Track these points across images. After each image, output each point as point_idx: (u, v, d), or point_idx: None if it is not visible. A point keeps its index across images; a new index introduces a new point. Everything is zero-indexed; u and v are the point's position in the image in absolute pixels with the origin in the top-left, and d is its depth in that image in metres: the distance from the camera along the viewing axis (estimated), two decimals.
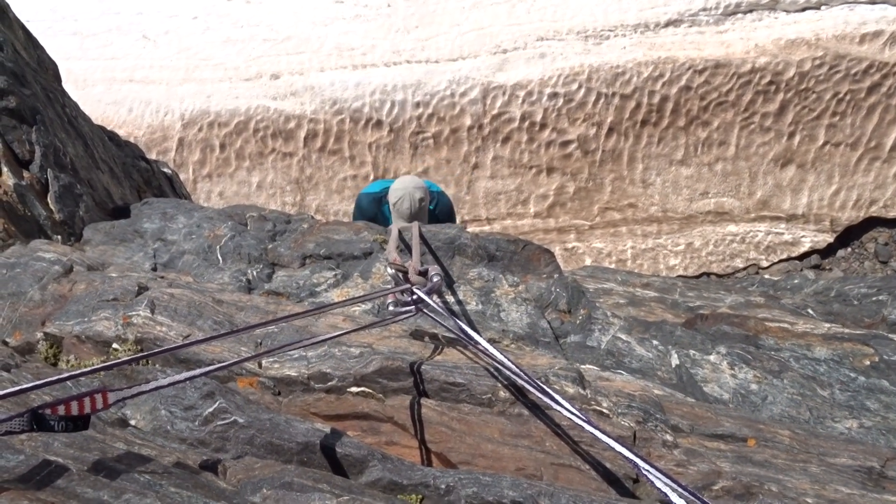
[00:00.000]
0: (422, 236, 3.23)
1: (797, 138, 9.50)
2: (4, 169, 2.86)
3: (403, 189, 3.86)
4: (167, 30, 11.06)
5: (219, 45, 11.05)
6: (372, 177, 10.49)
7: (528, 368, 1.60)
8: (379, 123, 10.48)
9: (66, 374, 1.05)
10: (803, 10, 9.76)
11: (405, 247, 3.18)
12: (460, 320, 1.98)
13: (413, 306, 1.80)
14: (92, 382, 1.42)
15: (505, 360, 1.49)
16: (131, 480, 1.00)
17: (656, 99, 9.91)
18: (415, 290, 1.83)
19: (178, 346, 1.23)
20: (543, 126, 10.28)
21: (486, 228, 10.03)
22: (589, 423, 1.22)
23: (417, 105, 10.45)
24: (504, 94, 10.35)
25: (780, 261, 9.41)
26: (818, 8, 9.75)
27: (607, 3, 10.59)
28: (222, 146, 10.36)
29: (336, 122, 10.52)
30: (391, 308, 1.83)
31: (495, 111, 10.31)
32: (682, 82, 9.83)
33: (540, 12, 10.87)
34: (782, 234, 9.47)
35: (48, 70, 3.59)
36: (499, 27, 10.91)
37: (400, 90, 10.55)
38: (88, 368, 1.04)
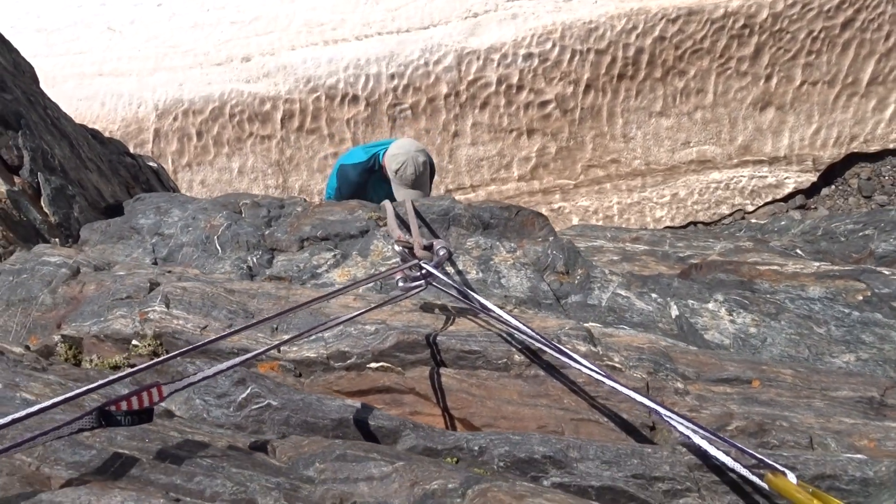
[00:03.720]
0: (416, 210, 3.26)
1: (774, 80, 9.56)
2: None
3: (406, 154, 3.75)
4: (132, 19, 10.89)
5: (187, 30, 10.89)
6: None
7: (539, 331, 1.66)
8: (355, 98, 10.42)
9: (125, 373, 1.11)
10: None
11: (401, 223, 3.21)
12: (468, 290, 2.03)
13: (422, 280, 1.85)
14: (143, 378, 1.46)
15: (519, 325, 1.55)
16: (196, 465, 1.05)
17: (631, 52, 9.92)
18: (422, 264, 1.87)
19: (216, 339, 1.28)
20: (520, 88, 10.26)
21: (471, 196, 10.07)
22: (608, 377, 1.28)
23: (392, 77, 10.39)
24: (478, 58, 10.31)
25: (766, 204, 9.53)
26: None
27: None
28: (199, 134, 10.28)
29: (312, 100, 10.45)
30: (401, 284, 1.88)
31: (471, 77, 10.27)
32: (656, 33, 9.82)
33: None
34: (766, 177, 9.57)
35: (25, 73, 3.56)
36: None
37: (373, 63, 10.48)
38: (144, 365, 1.09)
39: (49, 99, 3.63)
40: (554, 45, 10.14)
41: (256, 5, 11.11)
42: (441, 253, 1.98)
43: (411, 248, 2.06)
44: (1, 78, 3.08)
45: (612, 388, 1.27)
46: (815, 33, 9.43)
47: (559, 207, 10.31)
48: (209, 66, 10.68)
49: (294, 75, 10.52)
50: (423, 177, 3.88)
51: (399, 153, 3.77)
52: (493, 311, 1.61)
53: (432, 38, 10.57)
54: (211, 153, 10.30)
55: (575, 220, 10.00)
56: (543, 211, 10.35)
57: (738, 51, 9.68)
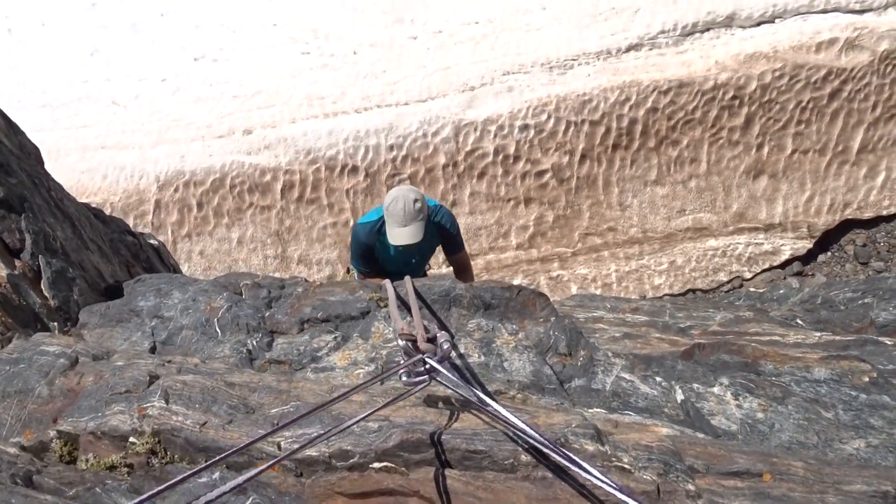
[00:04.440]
0: (416, 292, 3.26)
1: (766, 149, 9.72)
2: None
3: (397, 191, 3.81)
4: (137, 94, 11.11)
5: (190, 104, 11.10)
6: (352, 222, 10.53)
7: (545, 430, 1.63)
8: (354, 169, 10.56)
9: (179, 477, 1.08)
10: (758, 24, 10.05)
11: (402, 303, 3.20)
12: (470, 381, 2.00)
13: (426, 375, 1.83)
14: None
15: (525, 428, 1.52)
16: None
17: (625, 122, 10.10)
18: (426, 359, 1.85)
19: (237, 449, 1.25)
20: (517, 158, 10.41)
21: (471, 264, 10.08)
22: (620, 489, 1.25)
23: (391, 148, 10.55)
24: (476, 130, 10.49)
25: (763, 271, 9.56)
26: (772, 21, 10.04)
27: (569, 33, 10.81)
28: (199, 205, 10.37)
29: (312, 171, 10.58)
30: (404, 379, 1.85)
31: (468, 147, 10.43)
32: (649, 104, 10.03)
33: (503, 48, 11.06)
34: (762, 244, 9.63)
35: (30, 155, 3.61)
36: (464, 65, 11.08)
37: (373, 135, 10.65)
38: (196, 468, 1.06)
39: (53, 180, 3.67)
40: (549, 117, 10.34)
41: (259, 80, 11.36)
42: (445, 347, 1.96)
43: (415, 341, 2.04)
44: (7, 161, 3.12)
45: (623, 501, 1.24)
46: (803, 103, 9.65)
47: (558, 276, 10.33)
48: (211, 138, 10.85)
49: (295, 147, 10.69)
50: (415, 215, 3.86)
51: (392, 192, 3.84)
52: (499, 413, 1.58)
53: (430, 110, 10.78)
54: (211, 224, 10.36)
55: (574, 289, 10.00)
56: (542, 280, 10.37)
57: (730, 121, 9.88)
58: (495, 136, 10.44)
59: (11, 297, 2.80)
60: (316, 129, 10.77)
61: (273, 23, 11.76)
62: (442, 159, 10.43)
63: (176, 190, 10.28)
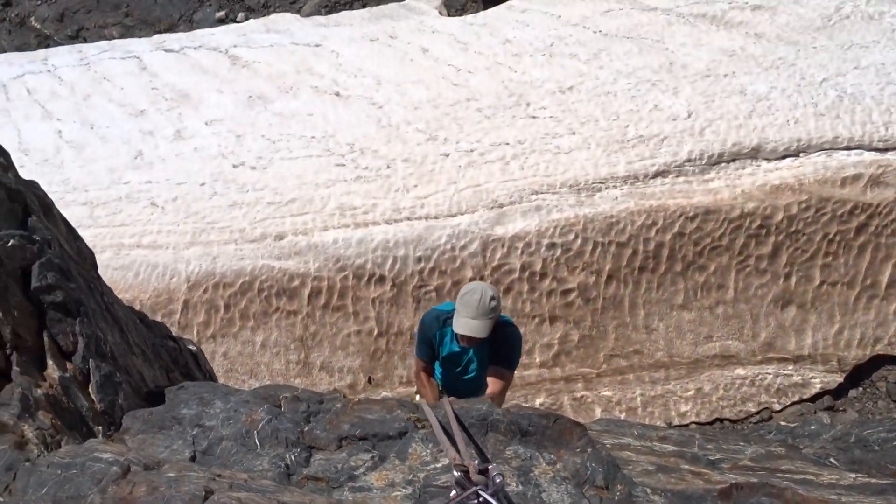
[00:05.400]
0: (456, 416, 3.26)
1: (794, 279, 9.76)
2: (50, 362, 2.93)
3: (477, 284, 3.83)
4: (175, 196, 11.50)
5: (225, 209, 11.44)
6: (376, 332, 10.57)
7: None
8: (381, 279, 10.70)
9: None
10: (783, 157, 10.33)
11: (441, 427, 3.19)
12: None
13: None
14: None
15: None
16: None
17: (651, 246, 10.24)
18: (480, 492, 1.85)
19: None
20: (543, 276, 10.52)
21: None
22: None
23: (419, 260, 10.72)
24: (503, 246, 10.66)
25: (793, 403, 9.38)
26: (797, 155, 10.32)
27: (597, 158, 11.15)
28: (227, 306, 10.50)
29: (339, 279, 10.74)
30: None
31: (495, 263, 10.57)
32: (675, 229, 10.20)
33: (533, 168, 11.41)
34: (791, 375, 9.50)
35: (87, 260, 3.75)
36: (494, 183, 11.40)
37: (401, 246, 10.85)
38: None
39: (105, 284, 3.79)
40: (576, 237, 10.52)
41: (293, 188, 11.73)
42: (497, 480, 1.96)
43: (467, 471, 2.04)
44: (67, 267, 3.25)
45: None
46: (830, 236, 9.76)
47: (581, 396, 10.19)
48: (243, 242, 11.10)
49: (324, 254, 10.89)
50: (489, 313, 3.84)
51: (472, 283, 3.86)
52: None
53: (459, 225, 11.01)
54: (236, 326, 10.45)
55: (598, 411, 9.84)
56: (565, 400, 10.23)
57: (756, 249, 9.99)
58: (522, 252, 10.60)
59: (62, 399, 2.84)
60: (346, 237, 11.00)
61: (311, 136, 12.27)
62: (469, 273, 10.56)
63: (205, 291, 10.45)
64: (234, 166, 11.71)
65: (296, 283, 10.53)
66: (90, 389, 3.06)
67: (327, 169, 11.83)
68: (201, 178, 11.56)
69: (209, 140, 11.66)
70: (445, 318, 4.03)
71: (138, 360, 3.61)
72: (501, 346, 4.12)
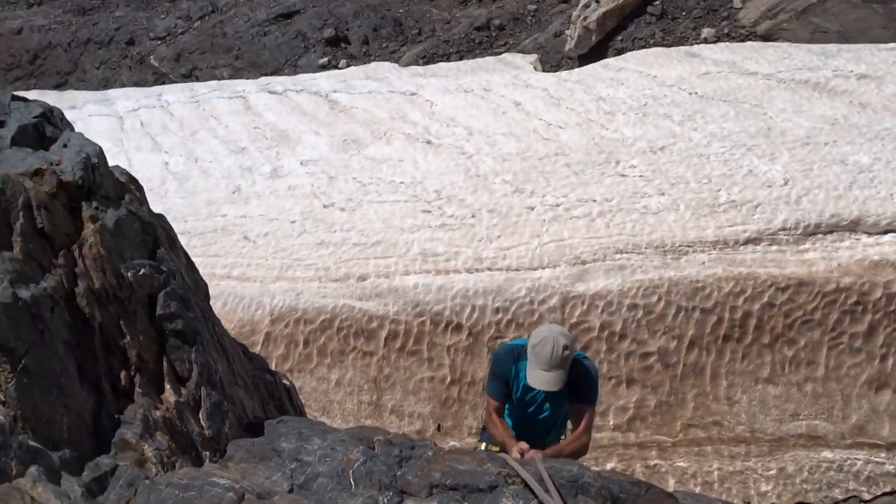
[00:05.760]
0: (549, 475, 3.24)
1: (890, 361, 9.28)
2: (167, 386, 3.08)
3: (548, 331, 3.72)
4: (267, 232, 11.93)
5: (313, 247, 11.78)
6: (449, 379, 10.58)
7: None
8: (458, 327, 10.73)
9: None
10: (885, 232, 9.94)
11: (526, 484, 3.17)
12: None
13: None
14: None
15: None
16: None
17: (738, 314, 9.94)
18: None
19: None
20: (623, 337, 10.33)
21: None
22: None
23: (497, 310, 10.72)
24: (583, 303, 10.56)
25: (884, 494, 8.82)
26: None
27: (685, 220, 10.99)
28: (306, 342, 10.72)
29: (417, 323, 10.83)
30: None
31: (574, 319, 10.46)
32: (765, 299, 9.88)
33: (618, 227, 11.32)
34: (884, 464, 8.96)
35: (201, 290, 3.94)
36: (578, 239, 11.36)
37: (481, 295, 10.89)
38: None
39: (215, 315, 3.97)
40: (660, 299, 10.32)
41: (379, 231, 12.00)
42: None
43: None
44: (187, 297, 3.42)
45: None
46: None
47: (655, 465, 9.86)
48: (327, 280, 11.38)
49: (404, 298, 11.03)
50: (561, 363, 3.76)
51: (543, 329, 3.77)
52: None
53: (540, 278, 10.99)
54: (313, 362, 10.65)
55: (671, 482, 9.49)
56: (638, 467, 9.92)
57: (851, 326, 9.57)
58: (603, 311, 10.46)
59: (176, 422, 2.97)
60: (427, 283, 11.13)
61: (400, 181, 12.57)
62: None
63: (286, 325, 10.72)
64: (325, 206, 12.08)
65: (374, 324, 10.68)
66: (200, 415, 3.19)
67: (413, 214, 12.07)
68: (293, 216, 11.99)
69: (303, 179, 12.09)
70: (519, 354, 3.97)
71: (241, 391, 3.74)
72: (580, 384, 4.01)
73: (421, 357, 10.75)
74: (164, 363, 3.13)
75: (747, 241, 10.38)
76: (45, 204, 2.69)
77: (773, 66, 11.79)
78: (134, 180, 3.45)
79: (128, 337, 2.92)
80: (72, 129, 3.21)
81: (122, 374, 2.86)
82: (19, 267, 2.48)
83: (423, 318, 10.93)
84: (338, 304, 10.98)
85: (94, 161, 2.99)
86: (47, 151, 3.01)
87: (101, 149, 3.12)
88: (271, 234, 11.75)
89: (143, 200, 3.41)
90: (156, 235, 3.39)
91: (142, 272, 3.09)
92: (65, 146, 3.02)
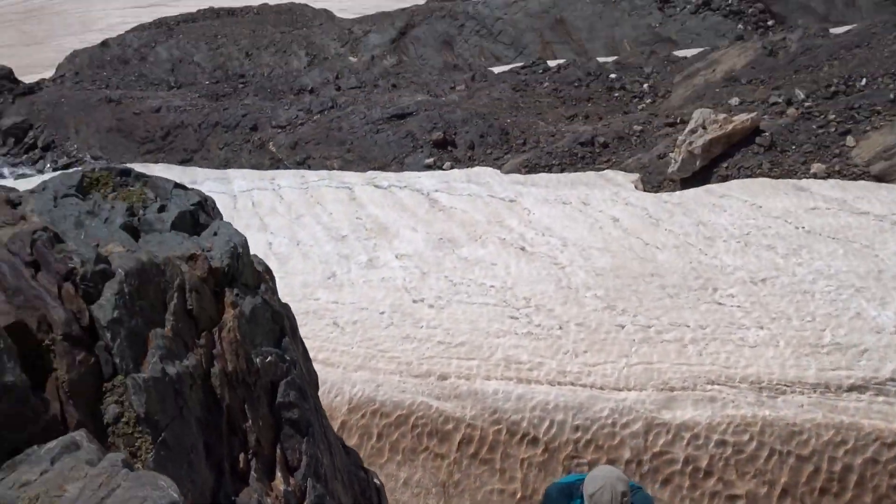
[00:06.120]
0: None
1: None
2: (279, 474, 3.10)
3: (604, 479, 3.64)
4: (356, 320, 12.12)
5: (398, 340, 11.87)
6: (519, 495, 10.22)
7: None
8: (535, 440, 10.45)
9: None
10: None
11: None
12: None
13: None
14: None
15: None
16: None
17: (838, 466, 9.30)
18: None
19: None
20: (708, 474, 9.80)
21: None
22: None
23: (576, 428, 10.41)
24: (668, 432, 10.13)
25: None
26: None
27: (784, 358, 10.54)
28: (380, 435, 10.65)
29: (493, 431, 10.62)
30: None
31: (657, 449, 10.02)
32: (868, 453, 9.24)
33: (712, 356, 10.95)
34: None
35: (313, 381, 4.02)
36: (668, 364, 11.03)
37: (561, 410, 10.63)
38: None
39: (322, 408, 4.01)
40: (752, 439, 9.82)
41: (465, 332, 12.01)
42: None
43: None
44: (304, 387, 3.49)
45: None
46: None
47: None
48: (408, 375, 11.38)
49: (482, 403, 10.89)
50: None
51: (598, 475, 3.66)
52: None
53: (625, 400, 10.67)
54: (384, 457, 10.53)
55: None
56: None
57: None
58: (688, 444, 9.99)
59: None
60: (507, 390, 10.96)
61: (491, 284, 12.64)
62: (627, 453, 10.06)
63: (363, 416, 10.70)
64: (414, 301, 12.22)
65: (450, 426, 10.52)
66: None
67: (500, 319, 12.04)
68: (382, 307, 12.17)
69: (396, 272, 12.33)
70: (572, 491, 3.87)
71: (338, 486, 3.72)
72: None
73: (493, 467, 10.46)
74: (278, 451, 3.17)
75: (851, 388, 9.82)
76: (197, 287, 2.84)
77: (886, 208, 11.46)
78: (269, 270, 3.61)
79: (250, 421, 2.99)
80: (221, 217, 3.42)
81: (241, 456, 2.91)
82: (168, 344, 2.61)
83: (500, 427, 10.70)
84: (416, 400, 10.91)
85: (240, 251, 3.15)
86: (199, 237, 3.20)
87: (245, 239, 3.30)
88: (360, 323, 11.92)
89: (275, 290, 3.56)
90: (282, 325, 3.51)
91: (269, 359, 3.19)
92: (215, 234, 3.21)
